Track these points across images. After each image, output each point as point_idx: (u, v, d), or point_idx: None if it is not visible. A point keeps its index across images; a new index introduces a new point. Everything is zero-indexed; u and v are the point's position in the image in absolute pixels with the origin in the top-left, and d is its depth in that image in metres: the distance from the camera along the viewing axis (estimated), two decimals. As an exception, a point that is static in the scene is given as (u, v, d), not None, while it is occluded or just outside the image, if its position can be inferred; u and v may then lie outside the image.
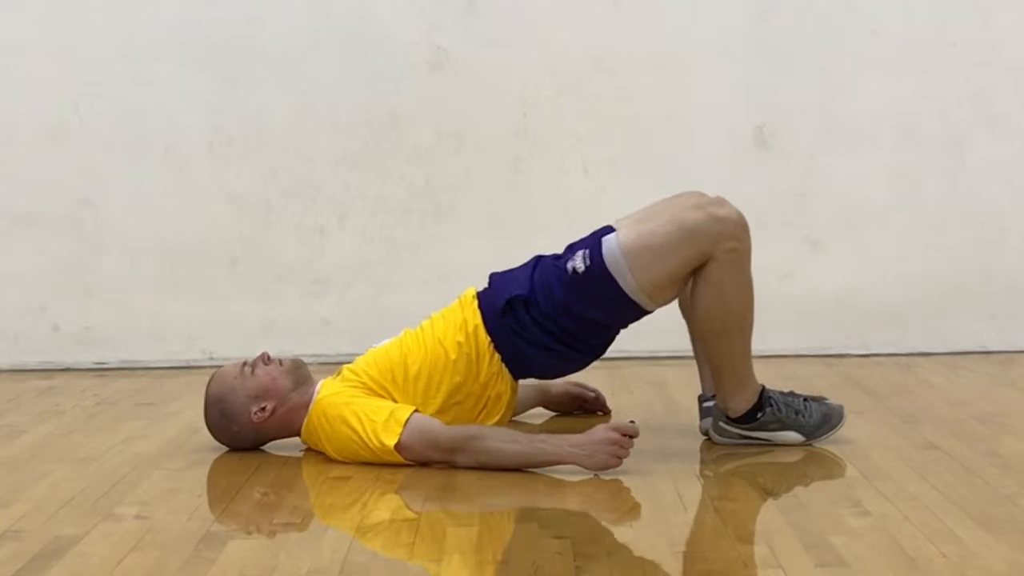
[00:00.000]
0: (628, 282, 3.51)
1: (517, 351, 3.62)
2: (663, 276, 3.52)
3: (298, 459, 3.66)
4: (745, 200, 4.68)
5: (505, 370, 3.66)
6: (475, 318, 3.66)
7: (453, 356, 3.64)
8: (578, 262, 3.56)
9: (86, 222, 5.14)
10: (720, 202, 3.56)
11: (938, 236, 5.18)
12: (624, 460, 3.41)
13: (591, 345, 3.66)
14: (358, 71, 5.12)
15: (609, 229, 3.61)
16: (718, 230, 3.48)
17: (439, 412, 3.62)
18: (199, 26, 5.10)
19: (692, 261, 3.50)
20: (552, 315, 3.59)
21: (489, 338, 3.63)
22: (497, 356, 3.64)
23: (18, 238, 5.14)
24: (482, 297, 3.70)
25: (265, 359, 3.69)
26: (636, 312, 3.60)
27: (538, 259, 3.72)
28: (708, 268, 3.51)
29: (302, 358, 3.77)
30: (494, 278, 3.75)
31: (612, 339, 3.69)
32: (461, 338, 3.64)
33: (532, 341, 3.60)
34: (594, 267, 3.53)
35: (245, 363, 3.69)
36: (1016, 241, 5.19)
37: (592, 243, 3.58)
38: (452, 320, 3.69)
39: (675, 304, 3.75)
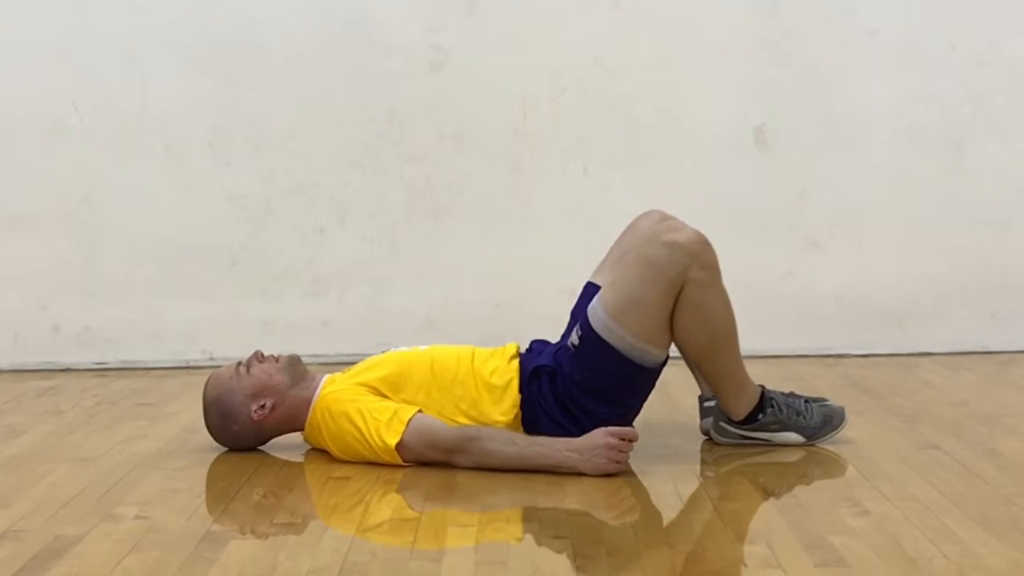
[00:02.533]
0: (625, 339, 3.50)
1: (535, 421, 3.60)
2: (653, 318, 3.51)
3: (298, 459, 3.67)
4: (745, 200, 4.71)
5: (521, 429, 3.63)
6: (511, 374, 3.63)
7: (483, 393, 3.60)
8: (574, 337, 3.58)
9: (86, 222, 5.14)
10: (675, 227, 3.56)
11: (938, 236, 5.18)
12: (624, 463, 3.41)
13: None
14: (358, 71, 5.12)
15: (590, 288, 3.62)
16: (682, 255, 3.48)
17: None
18: (199, 26, 5.10)
19: (671, 292, 3.50)
20: (566, 389, 3.57)
21: (519, 397, 3.62)
22: (519, 415, 3.62)
23: (18, 238, 5.14)
24: (522, 359, 3.67)
25: (259, 357, 3.70)
26: (641, 373, 3.56)
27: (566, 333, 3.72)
28: (684, 293, 3.50)
29: (302, 358, 3.76)
30: (534, 345, 3.74)
31: (626, 423, 3.61)
32: (497, 382, 3.62)
33: (549, 414, 3.59)
34: (587, 336, 3.54)
35: (240, 363, 3.69)
36: (1016, 241, 5.19)
37: (581, 316, 3.59)
38: (491, 363, 3.65)
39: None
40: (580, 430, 3.52)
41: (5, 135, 5.12)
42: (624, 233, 3.75)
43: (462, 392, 3.60)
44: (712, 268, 3.52)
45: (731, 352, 3.61)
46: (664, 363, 3.60)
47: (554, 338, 3.75)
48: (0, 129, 5.11)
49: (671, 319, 3.53)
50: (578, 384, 3.55)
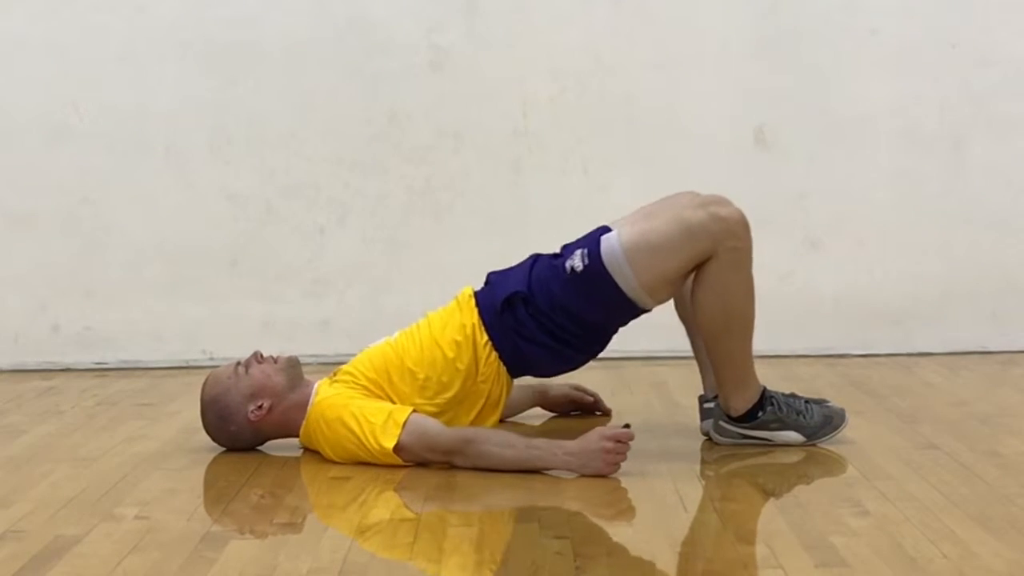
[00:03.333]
0: (628, 280, 3.51)
1: (515, 349, 3.62)
2: (663, 274, 3.51)
3: (298, 459, 3.66)
4: (745, 200, 4.68)
5: (503, 369, 3.66)
6: (473, 317, 3.65)
7: (451, 355, 3.63)
8: (576, 261, 3.55)
9: (86, 222, 5.14)
10: (721, 201, 3.55)
11: (938, 236, 5.18)
12: (621, 464, 3.41)
13: (589, 344, 3.66)
14: (358, 71, 5.12)
15: (606, 229, 3.61)
16: (719, 229, 3.47)
17: (437, 414, 3.61)
18: (199, 26, 5.10)
19: (693, 260, 3.50)
20: (550, 313, 3.58)
21: (487, 337, 3.63)
22: (495, 355, 3.63)
23: (18, 238, 5.14)
24: (480, 296, 3.69)
25: (258, 357, 3.69)
26: (634, 311, 3.60)
27: (536, 257, 3.71)
28: (709, 268, 3.50)
29: (302, 358, 3.76)
30: (492, 277, 3.75)
31: (609, 339, 3.69)
32: (459, 337, 3.64)
33: (530, 338, 3.60)
34: (593, 266, 3.53)
35: (239, 363, 3.68)
36: (1016, 241, 5.19)
37: (590, 242, 3.57)
38: (449, 320, 3.68)
39: (672, 303, 3.76)
40: (558, 343, 3.54)
41: (5, 135, 5.12)
42: (655, 203, 3.68)
43: (440, 373, 3.62)
44: (744, 252, 3.50)
45: (742, 340, 3.59)
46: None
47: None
48: (0, 129, 5.11)
49: (683, 284, 3.54)
50: (566, 310, 3.55)
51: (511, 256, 5.20)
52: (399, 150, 5.15)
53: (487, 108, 5.14)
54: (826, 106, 5.16)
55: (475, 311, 3.65)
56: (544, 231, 5.12)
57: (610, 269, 3.51)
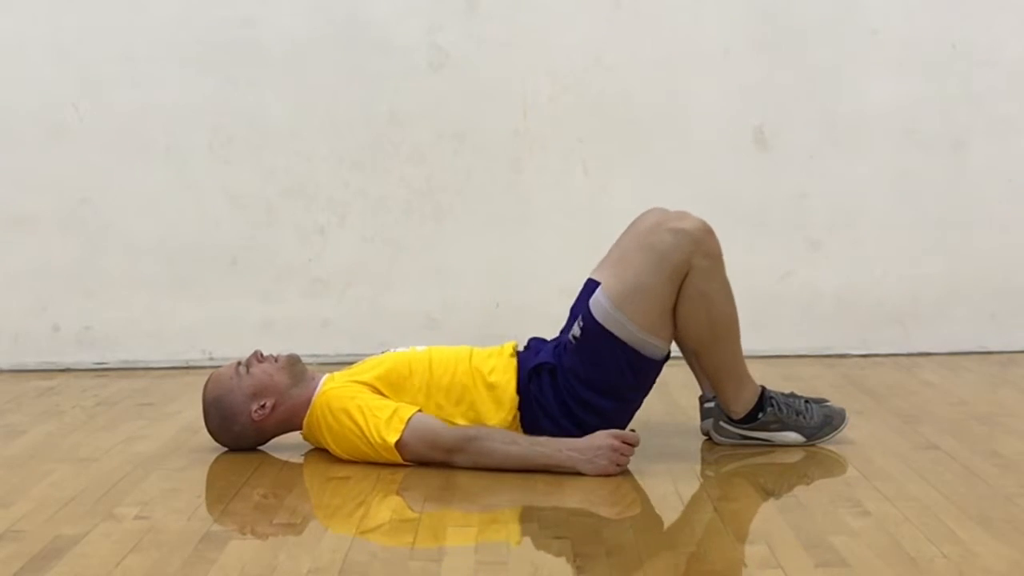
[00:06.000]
0: (627, 328, 3.49)
1: (534, 420, 3.58)
2: (656, 307, 3.50)
3: (298, 460, 3.67)
4: (745, 200, 4.71)
5: (519, 427, 3.62)
6: (510, 372, 3.62)
7: (482, 391, 3.60)
8: (576, 330, 3.56)
9: (86, 222, 5.14)
10: (680, 216, 3.56)
11: (938, 236, 5.18)
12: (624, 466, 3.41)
13: (603, 425, 3.57)
14: (358, 71, 5.12)
15: (591, 284, 3.60)
16: (687, 242, 3.48)
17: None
18: (199, 26, 5.10)
19: (674, 280, 3.49)
20: (567, 385, 3.55)
21: (518, 397, 3.60)
22: (517, 414, 3.60)
23: (18, 238, 5.14)
24: (520, 357, 3.66)
25: (259, 356, 3.69)
26: (645, 365, 3.56)
27: (562, 329, 3.71)
28: (686, 283, 3.50)
29: (301, 358, 3.76)
30: (532, 343, 3.73)
31: (627, 419, 3.62)
32: (496, 380, 3.60)
33: (548, 412, 3.57)
34: (589, 328, 3.53)
35: (239, 363, 3.68)
36: (1016, 241, 5.19)
37: (583, 308, 3.57)
38: (490, 362, 3.64)
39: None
40: (579, 429, 3.51)
41: (5, 135, 5.12)
42: (626, 231, 3.75)
43: (460, 393, 3.60)
44: (715, 257, 3.51)
45: (732, 344, 3.61)
46: (666, 358, 3.60)
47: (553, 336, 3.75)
48: (0, 129, 5.11)
49: (674, 310, 3.52)
50: (579, 378, 3.55)
51: (511, 256, 5.23)
52: (399, 150, 5.15)
53: (487, 108, 5.15)
54: (826, 106, 5.16)
55: (514, 369, 3.62)
56: (544, 231, 5.15)
57: (606, 325, 3.51)
